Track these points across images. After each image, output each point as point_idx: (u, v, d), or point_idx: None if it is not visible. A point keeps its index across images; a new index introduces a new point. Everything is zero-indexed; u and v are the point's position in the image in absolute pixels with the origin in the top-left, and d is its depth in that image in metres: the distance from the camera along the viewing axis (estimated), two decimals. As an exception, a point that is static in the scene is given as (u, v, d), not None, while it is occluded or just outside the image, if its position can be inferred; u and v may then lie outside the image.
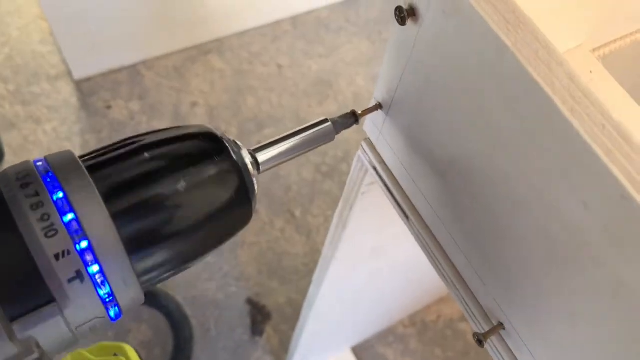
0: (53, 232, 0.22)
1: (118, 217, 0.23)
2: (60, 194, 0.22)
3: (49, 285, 0.22)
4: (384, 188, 0.39)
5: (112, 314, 0.24)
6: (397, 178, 0.37)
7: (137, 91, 1.23)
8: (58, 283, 0.22)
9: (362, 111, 0.35)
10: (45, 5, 1.04)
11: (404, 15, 0.28)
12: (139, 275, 0.25)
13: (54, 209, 0.22)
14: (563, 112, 0.22)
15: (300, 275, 1.10)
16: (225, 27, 1.31)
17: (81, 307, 0.22)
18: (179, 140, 0.28)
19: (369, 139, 0.39)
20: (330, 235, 0.50)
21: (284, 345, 1.04)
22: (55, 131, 1.16)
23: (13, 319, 0.21)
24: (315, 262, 0.57)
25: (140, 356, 0.42)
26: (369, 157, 0.39)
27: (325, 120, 0.33)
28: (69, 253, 0.22)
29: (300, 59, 1.34)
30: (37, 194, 0.22)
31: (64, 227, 0.22)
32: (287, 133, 0.32)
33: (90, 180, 0.23)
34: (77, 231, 0.22)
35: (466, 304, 0.34)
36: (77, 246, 0.22)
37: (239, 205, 0.28)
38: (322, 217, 1.16)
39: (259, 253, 1.11)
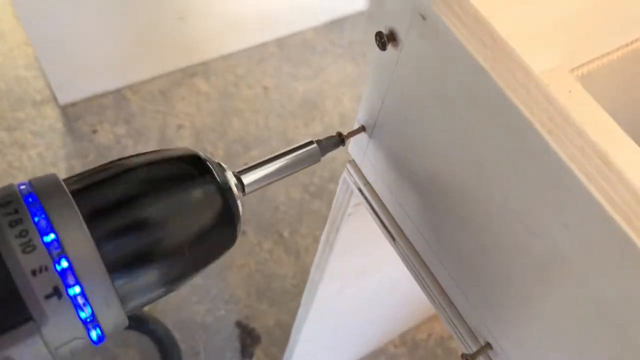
0: (30, 248, 0.22)
1: (100, 239, 0.23)
2: (42, 215, 0.23)
3: (26, 303, 0.21)
4: (370, 209, 0.39)
5: (93, 336, 0.24)
6: (382, 199, 0.38)
7: (123, 115, 1.23)
8: (35, 300, 0.21)
9: (347, 133, 0.36)
10: (30, 31, 1.04)
11: (384, 40, 0.28)
12: (122, 298, 0.24)
13: (34, 226, 0.22)
14: (542, 134, 0.22)
15: (289, 296, 1.09)
16: (210, 49, 1.31)
17: (60, 326, 0.22)
18: (162, 162, 0.28)
19: (353, 160, 0.39)
20: (318, 258, 0.50)
21: (274, 368, 1.02)
22: (41, 156, 1.15)
23: None
24: (305, 283, 0.56)
25: None
26: (354, 179, 0.39)
27: (311, 142, 0.33)
28: (46, 269, 0.22)
29: (286, 81, 1.35)
30: (16, 212, 0.22)
31: (42, 244, 0.22)
32: (272, 155, 0.32)
33: (72, 201, 0.23)
34: (57, 250, 0.22)
35: (454, 324, 0.34)
36: (57, 265, 0.22)
37: (223, 227, 0.28)
38: (310, 237, 1.16)
39: (248, 275, 1.10)
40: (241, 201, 0.29)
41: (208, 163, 0.28)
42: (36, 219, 0.22)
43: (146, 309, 1.01)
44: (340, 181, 0.41)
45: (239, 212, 0.29)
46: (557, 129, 0.23)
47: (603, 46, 0.43)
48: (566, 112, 0.23)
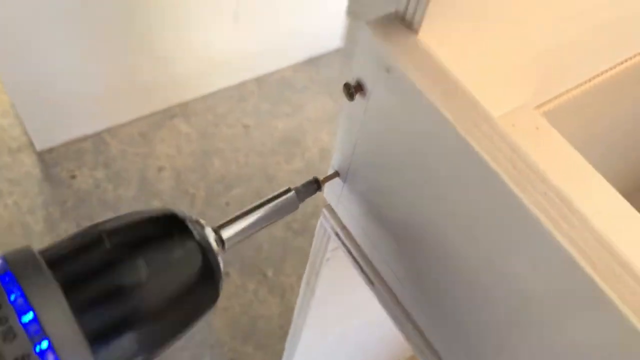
0: (11, 336, 0.21)
1: (79, 310, 0.23)
2: (19, 293, 0.22)
3: None
4: (347, 254, 0.39)
5: None
6: (359, 243, 0.38)
7: (102, 159, 1.22)
8: None
9: (323, 178, 0.36)
10: (5, 78, 1.04)
11: (352, 91, 0.29)
12: None
13: (12, 310, 0.22)
14: (506, 182, 0.23)
15: (275, 338, 1.08)
16: (189, 90, 1.32)
17: None
18: (139, 225, 0.28)
19: (330, 205, 0.39)
20: (299, 302, 0.50)
21: (262, 412, 1.00)
22: (17, 205, 1.14)
23: None
24: (291, 323, 0.56)
25: None
26: (331, 223, 0.39)
27: (288, 190, 0.33)
28: (28, 357, 0.21)
29: (266, 119, 1.36)
30: None
31: (22, 329, 0.22)
32: (250, 206, 0.32)
33: (50, 275, 0.23)
34: (36, 331, 0.22)
35: (435, 368, 0.34)
36: (37, 347, 0.22)
37: (204, 286, 0.28)
38: (295, 276, 1.15)
39: (233, 318, 1.09)
40: (221, 257, 0.29)
41: (186, 221, 0.28)
42: (13, 297, 0.22)
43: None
44: (318, 226, 0.41)
45: (219, 270, 0.29)
46: (520, 176, 0.23)
47: (567, 82, 0.44)
48: (529, 159, 0.24)
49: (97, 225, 0.27)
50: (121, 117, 1.26)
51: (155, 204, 1.19)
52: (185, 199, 1.20)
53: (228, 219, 0.31)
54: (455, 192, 0.26)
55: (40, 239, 1.11)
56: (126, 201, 1.18)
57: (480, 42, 0.30)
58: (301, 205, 0.34)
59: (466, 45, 0.29)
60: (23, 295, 0.22)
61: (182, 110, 1.33)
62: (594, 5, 0.35)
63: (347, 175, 0.35)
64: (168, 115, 1.31)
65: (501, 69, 0.34)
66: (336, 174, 0.36)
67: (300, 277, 1.15)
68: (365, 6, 1.55)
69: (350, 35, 1.48)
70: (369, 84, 0.28)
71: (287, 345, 0.59)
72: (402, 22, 0.26)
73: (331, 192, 0.38)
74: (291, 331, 0.56)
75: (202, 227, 0.29)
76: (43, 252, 0.25)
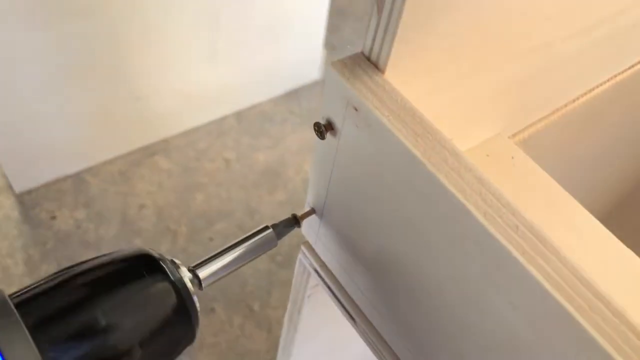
0: None
1: (48, 351, 0.23)
2: None
3: None
4: (327, 290, 0.38)
5: None
6: (339, 279, 0.37)
7: (83, 199, 1.21)
8: None
9: (300, 215, 0.36)
10: (-18, 122, 1.03)
11: (322, 130, 0.29)
12: None
13: None
14: (477, 216, 0.23)
15: (263, 374, 1.06)
16: (169, 127, 1.32)
17: None
18: (112, 265, 0.28)
19: (308, 242, 0.39)
20: (283, 340, 0.49)
21: None
22: (-4, 248, 1.11)
23: None
24: None
25: None
26: (310, 260, 0.39)
27: (267, 228, 0.33)
28: None
29: (247, 152, 1.36)
30: None
31: None
32: (229, 244, 0.32)
33: (17, 316, 0.23)
34: None
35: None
36: None
37: (179, 325, 0.28)
38: (282, 309, 1.13)
39: (219, 354, 1.07)
40: (197, 297, 0.29)
41: (160, 261, 0.28)
42: None
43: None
44: (297, 263, 0.41)
45: (195, 309, 0.29)
46: (491, 209, 0.23)
47: (540, 110, 0.45)
48: (499, 192, 0.24)
49: (71, 266, 0.27)
50: (101, 155, 1.25)
51: (137, 242, 1.18)
52: (168, 235, 1.18)
53: (205, 257, 0.31)
54: (427, 226, 0.26)
55: (20, 282, 1.09)
56: (108, 241, 1.16)
57: (449, 76, 0.30)
58: (285, 237, 0.34)
59: (434, 80, 0.30)
60: None
61: (163, 146, 1.32)
62: (561, 36, 0.36)
63: (323, 212, 0.35)
64: (148, 152, 1.31)
65: (471, 100, 0.34)
66: (312, 211, 0.36)
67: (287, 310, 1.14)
68: (342, 39, 1.58)
69: (326, 69, 1.50)
70: (338, 123, 0.28)
71: (273, 384, 0.58)
72: (369, 61, 0.27)
73: (309, 228, 0.38)
74: (276, 369, 0.55)
75: (178, 266, 0.29)
76: (15, 294, 0.25)
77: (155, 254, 0.29)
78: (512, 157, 0.42)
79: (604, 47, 0.42)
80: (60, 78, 1.06)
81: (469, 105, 0.35)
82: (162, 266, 0.28)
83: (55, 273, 0.27)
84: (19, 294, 0.25)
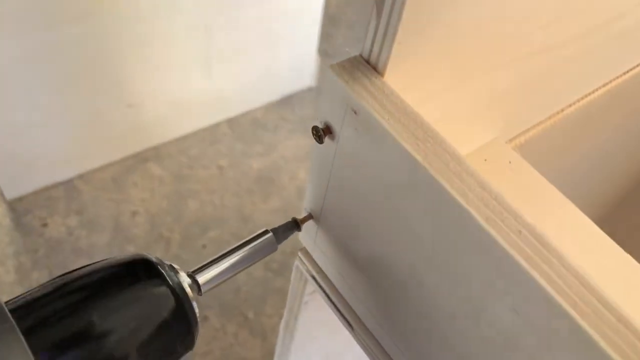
0: None
1: (45, 357, 0.23)
2: None
3: None
4: (325, 297, 0.38)
5: None
6: (336, 286, 0.37)
7: (75, 206, 1.20)
8: None
9: (301, 219, 0.35)
10: (-27, 128, 1.02)
11: (320, 134, 0.29)
12: None
13: None
14: (479, 221, 0.23)
15: (257, 382, 1.05)
16: (162, 134, 1.31)
17: None
18: (110, 270, 0.27)
19: (305, 248, 0.39)
20: (279, 347, 0.48)
21: None
22: (-14, 256, 1.10)
23: None
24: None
25: None
26: (307, 267, 0.39)
27: (266, 232, 0.33)
28: None
29: (241, 159, 1.35)
30: None
31: None
32: (228, 249, 0.32)
33: (12, 321, 0.22)
34: None
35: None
36: None
37: (179, 332, 0.27)
38: (276, 317, 1.13)
39: (213, 363, 1.06)
40: (197, 302, 0.29)
41: (158, 266, 0.28)
42: None
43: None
44: (294, 269, 0.40)
45: (194, 315, 0.28)
46: (493, 214, 0.23)
47: (537, 115, 0.45)
48: (501, 197, 0.24)
49: (69, 272, 0.27)
50: (93, 162, 1.24)
51: (130, 250, 1.16)
52: (161, 242, 1.17)
53: (205, 262, 0.31)
54: (427, 232, 0.25)
55: (11, 289, 1.08)
56: (100, 248, 1.15)
57: (447, 80, 0.30)
58: (280, 245, 0.34)
59: (433, 84, 0.29)
60: None
61: (155, 153, 1.32)
62: (558, 42, 0.36)
63: (321, 217, 0.35)
64: (141, 159, 1.30)
65: (469, 104, 0.34)
66: (310, 217, 0.36)
67: (282, 318, 1.13)
68: (336, 45, 1.58)
69: (322, 73, 1.50)
70: (337, 127, 0.28)
71: (269, 392, 0.57)
72: (368, 64, 0.26)
73: (306, 234, 0.38)
74: (272, 378, 0.54)
75: (176, 271, 0.28)
76: (11, 300, 0.25)
77: (153, 258, 0.28)
78: (510, 162, 0.42)
79: (600, 52, 0.42)
80: (53, 85, 1.05)
81: (467, 109, 0.35)
82: (160, 271, 0.27)
83: (53, 279, 0.26)
84: (15, 299, 0.25)
